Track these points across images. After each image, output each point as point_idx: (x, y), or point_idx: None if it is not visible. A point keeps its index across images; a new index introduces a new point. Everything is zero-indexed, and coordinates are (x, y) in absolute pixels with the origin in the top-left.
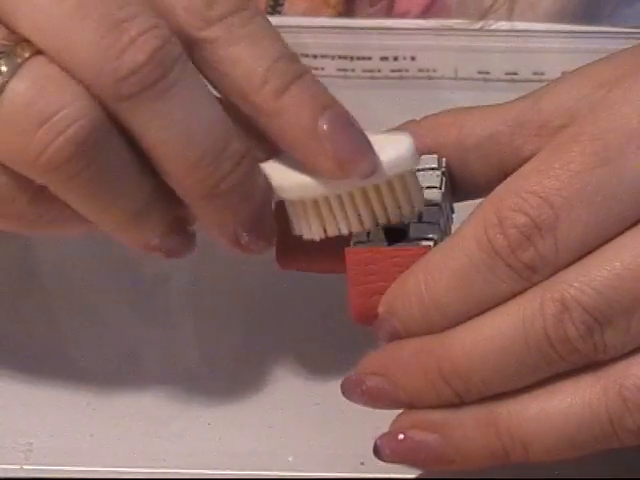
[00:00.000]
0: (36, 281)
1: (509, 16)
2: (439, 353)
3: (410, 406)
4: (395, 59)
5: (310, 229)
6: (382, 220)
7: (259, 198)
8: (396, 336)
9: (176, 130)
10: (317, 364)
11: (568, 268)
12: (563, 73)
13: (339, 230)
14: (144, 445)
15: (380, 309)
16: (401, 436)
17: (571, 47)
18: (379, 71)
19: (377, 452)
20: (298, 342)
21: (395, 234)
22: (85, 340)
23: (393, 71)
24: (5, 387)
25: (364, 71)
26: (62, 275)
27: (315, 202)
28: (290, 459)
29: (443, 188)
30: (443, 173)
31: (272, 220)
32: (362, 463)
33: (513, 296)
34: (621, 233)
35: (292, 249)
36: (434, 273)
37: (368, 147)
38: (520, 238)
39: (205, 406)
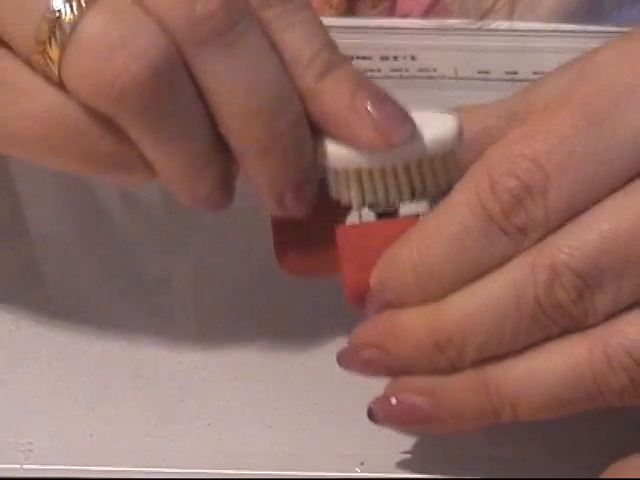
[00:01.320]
0: (37, 280)
1: (510, 16)
2: (433, 323)
3: (405, 373)
4: (395, 59)
5: (349, 197)
6: (419, 196)
7: (309, 161)
8: (389, 307)
9: (241, 80)
10: (317, 364)
11: (558, 232)
12: None
13: (377, 200)
14: (144, 445)
15: (372, 281)
16: (394, 400)
17: (571, 47)
18: (379, 71)
19: (371, 416)
20: (298, 342)
21: (386, 217)
22: (85, 340)
23: (393, 71)
24: (5, 387)
25: (364, 70)
26: (62, 275)
27: (358, 172)
28: (290, 459)
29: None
30: None
31: (315, 187)
32: (362, 463)
33: (505, 261)
34: (610, 195)
35: (293, 249)
36: (427, 241)
37: (405, 117)
38: (512, 202)
39: (205, 406)
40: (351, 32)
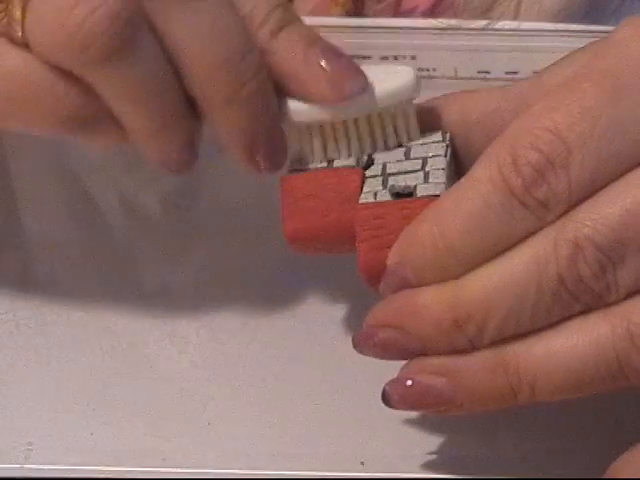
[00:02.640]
0: (37, 281)
1: (515, 15)
2: (453, 300)
3: (422, 354)
4: (395, 58)
5: (313, 155)
6: (380, 147)
7: (273, 113)
8: (406, 287)
9: (202, 30)
10: (317, 364)
11: (580, 206)
12: None
13: (339, 155)
14: (144, 445)
15: (390, 260)
16: (409, 382)
17: (572, 47)
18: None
19: (386, 399)
20: (298, 343)
21: (403, 197)
22: (85, 340)
23: None
24: (5, 387)
25: None
26: (62, 277)
27: (320, 128)
28: (290, 459)
29: (448, 157)
30: (447, 145)
31: (284, 141)
32: (362, 463)
33: (527, 236)
34: (633, 169)
35: (301, 222)
36: (448, 217)
37: (357, 70)
38: (534, 175)
39: (205, 406)
40: (351, 32)
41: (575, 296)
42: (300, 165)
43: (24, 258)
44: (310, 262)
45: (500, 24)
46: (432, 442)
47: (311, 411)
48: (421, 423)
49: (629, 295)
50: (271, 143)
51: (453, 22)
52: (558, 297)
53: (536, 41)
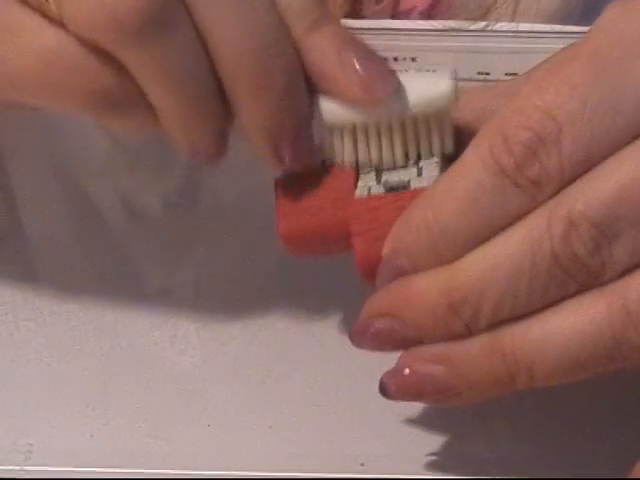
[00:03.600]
0: (37, 281)
1: (511, 16)
2: (448, 284)
3: (419, 343)
4: (395, 60)
5: (343, 155)
6: (412, 154)
7: (303, 109)
8: (402, 275)
9: (237, 17)
10: (317, 365)
11: (573, 184)
12: None
13: (370, 159)
14: (144, 445)
15: (385, 250)
16: (406, 371)
17: None
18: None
19: (383, 390)
20: (298, 343)
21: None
22: (85, 340)
23: None
24: (5, 387)
25: None
26: (62, 278)
27: (352, 129)
28: (290, 459)
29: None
30: None
31: (311, 139)
32: (362, 464)
33: (521, 217)
34: (625, 145)
35: (297, 223)
36: (441, 201)
37: (390, 73)
38: (525, 154)
39: (205, 407)
40: (352, 33)
41: (570, 274)
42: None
43: (24, 258)
44: (310, 263)
45: (499, 26)
46: (432, 442)
47: (311, 411)
48: (421, 423)
49: (625, 272)
50: (297, 139)
51: (453, 24)
52: (553, 276)
53: (535, 42)
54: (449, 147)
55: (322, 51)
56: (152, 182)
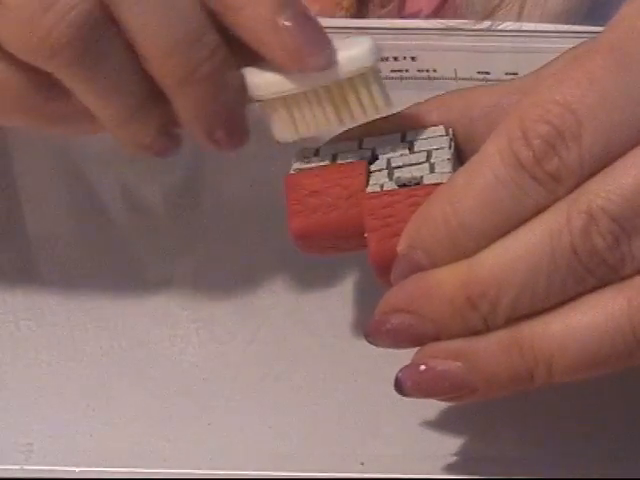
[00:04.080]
0: (37, 280)
1: (518, 17)
2: (466, 278)
3: (435, 339)
4: (395, 59)
5: (283, 131)
6: (347, 120)
7: (233, 91)
8: (418, 271)
9: (155, 14)
10: (317, 364)
11: (593, 178)
12: None
13: (308, 129)
14: (144, 445)
15: (400, 246)
16: (423, 367)
17: None
18: (379, 71)
19: (399, 386)
20: (298, 342)
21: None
22: (85, 340)
23: (393, 71)
24: (5, 387)
25: None
26: (62, 276)
27: (285, 101)
28: (290, 459)
29: (452, 149)
30: (451, 139)
31: (245, 120)
32: (362, 463)
33: (540, 211)
34: None
35: (310, 222)
36: (459, 194)
37: (324, 39)
38: (545, 148)
39: (205, 406)
40: (351, 33)
41: (589, 269)
42: (304, 164)
43: (25, 257)
44: (311, 261)
45: (499, 25)
46: (432, 442)
47: (311, 411)
48: (421, 423)
49: None
50: (229, 122)
51: (453, 23)
52: (572, 270)
53: (536, 42)
54: (382, 106)
55: (255, 12)
56: (153, 177)
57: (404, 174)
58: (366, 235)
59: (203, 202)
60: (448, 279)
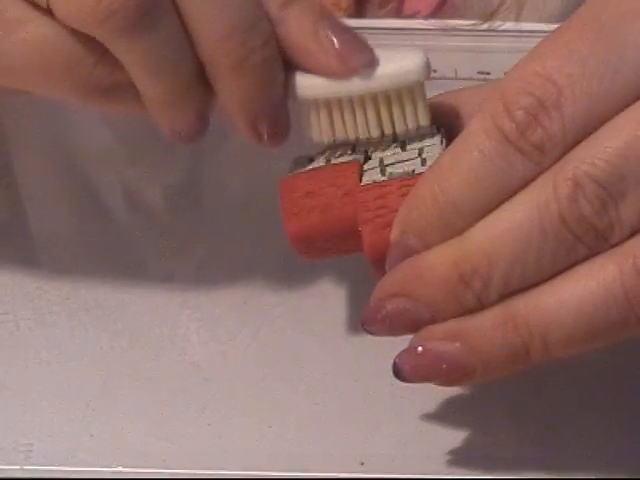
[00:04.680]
0: (37, 280)
1: (516, 17)
2: (457, 256)
3: (432, 323)
4: None
5: (320, 131)
6: (388, 129)
7: (279, 85)
8: (412, 255)
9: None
10: (317, 364)
11: (577, 146)
12: None
13: (346, 133)
14: (144, 445)
15: (393, 234)
16: (420, 349)
17: None
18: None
19: (397, 372)
20: (298, 342)
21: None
22: (85, 340)
23: None
24: (5, 387)
25: None
26: (63, 275)
27: (328, 103)
28: (290, 459)
29: (444, 145)
30: (442, 135)
31: (288, 116)
32: (362, 463)
33: (527, 184)
34: (626, 108)
35: (304, 219)
36: (446, 173)
37: (364, 45)
38: (527, 119)
39: (205, 406)
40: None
41: (578, 236)
42: (299, 168)
43: (25, 257)
44: (310, 263)
45: (500, 25)
46: (432, 442)
47: (311, 411)
48: (421, 423)
49: (634, 233)
50: (274, 114)
51: (454, 23)
52: (562, 240)
53: (536, 42)
54: (423, 120)
55: (297, 24)
56: (154, 176)
57: (396, 169)
58: (360, 228)
59: (203, 202)
60: (439, 259)
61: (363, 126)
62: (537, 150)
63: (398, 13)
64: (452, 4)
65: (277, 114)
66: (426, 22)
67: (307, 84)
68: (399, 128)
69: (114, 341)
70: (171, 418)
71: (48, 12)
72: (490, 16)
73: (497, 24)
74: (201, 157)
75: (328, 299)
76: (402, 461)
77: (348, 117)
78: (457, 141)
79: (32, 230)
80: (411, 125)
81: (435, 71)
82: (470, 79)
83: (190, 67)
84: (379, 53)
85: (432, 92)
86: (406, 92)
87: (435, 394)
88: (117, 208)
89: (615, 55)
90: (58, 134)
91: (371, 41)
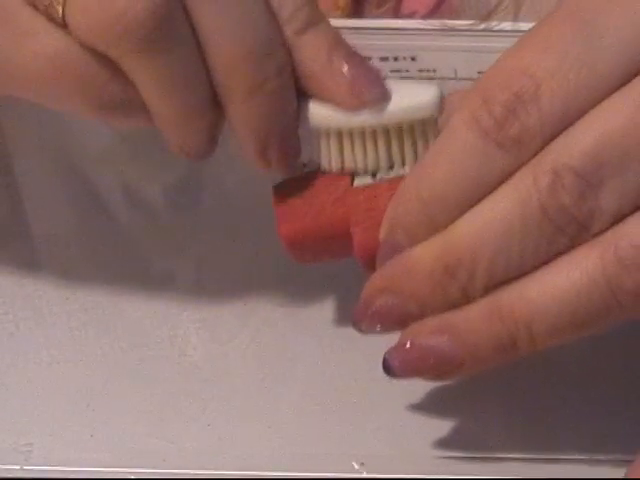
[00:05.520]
0: (37, 280)
1: (515, 17)
2: (442, 250)
3: (420, 318)
4: (395, 59)
5: (330, 160)
6: (397, 163)
7: (292, 112)
8: (400, 251)
9: (232, 22)
10: (317, 364)
11: (556, 139)
12: None
13: (355, 163)
14: (144, 445)
15: (381, 232)
16: (408, 344)
17: None
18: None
19: (386, 368)
20: (298, 342)
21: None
22: (85, 340)
23: (393, 71)
24: (5, 387)
25: None
26: (63, 274)
27: (338, 134)
28: (290, 459)
29: None
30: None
31: (298, 144)
32: (362, 463)
33: (508, 177)
34: (605, 98)
35: (297, 223)
36: (429, 169)
37: (377, 78)
38: (505, 113)
39: (205, 406)
40: (351, 33)
41: (560, 227)
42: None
43: (25, 258)
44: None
45: (500, 25)
46: (432, 442)
47: (311, 411)
48: (421, 423)
49: (614, 222)
50: (285, 142)
51: (453, 23)
52: (543, 231)
53: None
54: None
55: (312, 52)
56: (154, 175)
57: (387, 175)
58: (351, 230)
59: (203, 201)
60: (425, 254)
61: (373, 157)
62: (516, 143)
63: (396, 13)
64: (450, 4)
65: (287, 142)
66: (424, 22)
67: (319, 113)
68: (409, 161)
69: (114, 341)
70: (171, 418)
71: (63, 25)
72: (488, 16)
73: (495, 24)
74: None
75: (328, 300)
76: (402, 461)
77: (358, 148)
78: (439, 138)
79: (32, 230)
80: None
81: (434, 71)
82: (470, 79)
83: (203, 89)
84: (393, 85)
85: None
86: (418, 126)
87: (435, 395)
88: (117, 208)
89: (591, 47)
90: (58, 134)
91: (368, 41)
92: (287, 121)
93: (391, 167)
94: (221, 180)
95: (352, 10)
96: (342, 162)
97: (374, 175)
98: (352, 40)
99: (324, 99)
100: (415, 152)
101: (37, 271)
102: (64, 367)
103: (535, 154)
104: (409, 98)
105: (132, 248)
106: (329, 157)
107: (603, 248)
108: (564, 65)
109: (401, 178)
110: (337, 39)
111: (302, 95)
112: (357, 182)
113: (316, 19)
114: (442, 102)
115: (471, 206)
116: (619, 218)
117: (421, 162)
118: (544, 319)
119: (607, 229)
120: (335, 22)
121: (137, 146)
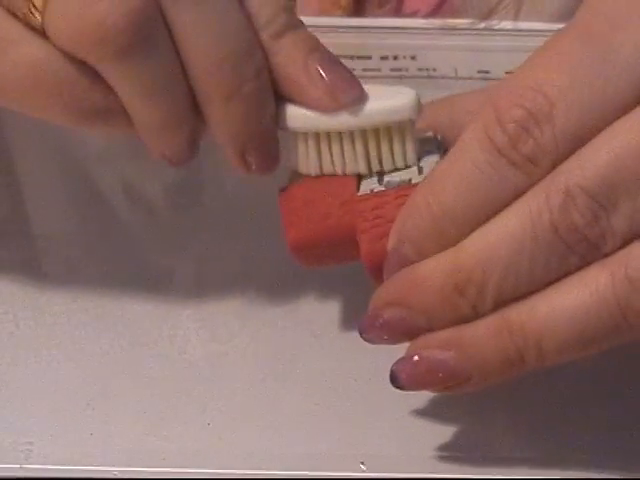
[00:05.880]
0: (37, 280)
1: (515, 16)
2: (452, 265)
3: (428, 331)
4: (395, 58)
5: (307, 163)
6: (375, 166)
7: (270, 115)
8: (408, 264)
9: (209, 28)
10: (317, 364)
11: (569, 158)
12: None
13: (333, 166)
14: (144, 444)
15: (389, 243)
16: (416, 358)
17: None
18: (379, 70)
19: (394, 379)
20: (299, 342)
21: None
22: (85, 340)
23: (393, 70)
24: (5, 387)
25: (364, 70)
26: (64, 273)
27: (317, 136)
28: (290, 459)
29: (441, 153)
30: (440, 143)
31: (277, 146)
32: (362, 463)
33: (520, 194)
34: (618, 118)
35: (304, 227)
36: (440, 183)
37: (353, 80)
38: (519, 131)
39: (205, 406)
40: (351, 32)
41: (570, 246)
42: (298, 177)
43: (25, 257)
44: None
45: (500, 24)
46: (433, 442)
47: (311, 411)
48: (421, 423)
49: (625, 243)
50: (264, 145)
51: (453, 22)
52: (554, 249)
53: (536, 41)
54: (411, 159)
55: (289, 56)
56: (154, 175)
57: (393, 178)
58: (357, 237)
59: (204, 201)
60: (435, 269)
61: (351, 160)
62: (529, 162)
63: (397, 12)
64: (451, 3)
65: (267, 145)
66: (425, 21)
67: (296, 116)
68: (386, 164)
69: (114, 341)
70: (171, 418)
71: (42, 33)
72: (488, 15)
73: (496, 23)
74: (201, 156)
75: (327, 299)
76: (402, 461)
77: (336, 151)
78: (451, 152)
79: (32, 230)
80: (399, 163)
81: (435, 70)
82: (470, 78)
83: (183, 95)
84: (370, 89)
85: (432, 91)
86: (396, 129)
87: (437, 394)
88: (117, 207)
89: (605, 64)
90: (58, 134)
91: (368, 39)
92: (265, 123)
93: (367, 167)
94: (221, 180)
95: (354, 9)
96: (320, 165)
97: (380, 177)
98: (352, 39)
99: (302, 102)
100: (392, 154)
101: (37, 271)
102: (64, 367)
103: (547, 172)
104: (386, 101)
105: (132, 248)
106: (307, 161)
107: (614, 268)
108: (576, 83)
109: (409, 186)
110: (314, 42)
111: (280, 99)
112: (364, 185)
113: (294, 23)
114: (419, 105)
115: (481, 223)
116: (630, 238)
117: (432, 175)
118: (553, 337)
119: (618, 249)
120: (336, 21)
121: (137, 146)
